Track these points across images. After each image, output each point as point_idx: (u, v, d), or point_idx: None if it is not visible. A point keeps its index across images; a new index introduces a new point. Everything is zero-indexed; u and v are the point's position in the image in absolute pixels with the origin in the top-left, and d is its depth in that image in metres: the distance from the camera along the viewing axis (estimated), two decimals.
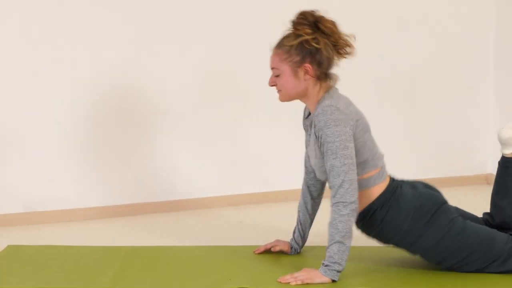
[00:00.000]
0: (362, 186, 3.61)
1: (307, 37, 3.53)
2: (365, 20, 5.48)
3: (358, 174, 3.58)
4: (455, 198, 5.29)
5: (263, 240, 4.18)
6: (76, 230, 4.68)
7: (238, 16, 5.19)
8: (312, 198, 3.94)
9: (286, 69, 3.61)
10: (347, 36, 3.61)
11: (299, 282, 3.49)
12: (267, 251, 4.04)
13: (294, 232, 4.02)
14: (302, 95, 3.68)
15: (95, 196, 4.99)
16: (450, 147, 5.77)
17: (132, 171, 5.06)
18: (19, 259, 4.04)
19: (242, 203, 5.26)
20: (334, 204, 3.49)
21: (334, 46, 3.58)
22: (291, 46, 3.57)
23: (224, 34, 5.15)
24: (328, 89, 3.66)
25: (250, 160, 5.30)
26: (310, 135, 3.72)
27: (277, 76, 3.64)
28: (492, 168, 5.81)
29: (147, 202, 5.08)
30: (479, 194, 5.43)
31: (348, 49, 3.61)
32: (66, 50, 4.81)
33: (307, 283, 3.49)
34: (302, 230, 3.99)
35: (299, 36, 3.54)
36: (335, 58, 3.63)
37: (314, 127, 3.59)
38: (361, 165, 3.61)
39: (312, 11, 3.58)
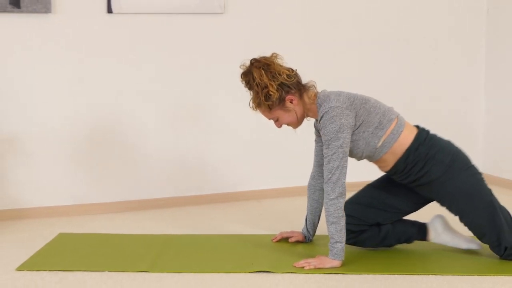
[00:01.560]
0: (391, 140, 3.60)
1: (268, 84, 3.56)
2: (366, 34, 5.45)
3: (379, 135, 3.59)
4: None
5: (279, 229, 4.20)
6: (117, 220, 4.69)
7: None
8: (320, 188, 3.90)
9: (277, 113, 3.66)
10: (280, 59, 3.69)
11: (311, 267, 3.52)
12: (284, 240, 4.05)
13: (305, 221, 4.03)
14: (304, 116, 3.73)
15: (133, 191, 4.99)
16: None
17: (165, 168, 5.07)
18: (69, 245, 4.08)
19: (262, 197, 5.25)
20: (324, 190, 3.53)
21: (279, 75, 3.59)
22: (263, 99, 3.59)
23: None
24: (316, 95, 3.70)
25: (273, 157, 5.29)
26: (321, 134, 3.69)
27: (277, 120, 3.70)
28: (483, 169, 5.75)
29: (179, 196, 5.08)
30: None
31: (284, 69, 3.65)
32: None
33: (319, 268, 3.51)
34: (312, 219, 4.00)
35: (263, 90, 3.57)
36: (295, 76, 3.67)
37: (320, 132, 3.62)
38: (379, 127, 3.61)
39: (251, 64, 3.67)
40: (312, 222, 4.00)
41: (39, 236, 4.24)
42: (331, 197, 3.49)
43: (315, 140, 3.86)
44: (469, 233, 3.75)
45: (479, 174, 3.71)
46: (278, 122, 3.70)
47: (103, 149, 4.89)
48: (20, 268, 3.63)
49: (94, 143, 4.86)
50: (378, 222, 3.76)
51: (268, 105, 3.59)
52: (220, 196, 5.15)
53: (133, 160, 4.96)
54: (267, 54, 5.07)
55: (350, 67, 5.40)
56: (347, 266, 3.57)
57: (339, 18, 5.33)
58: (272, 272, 3.51)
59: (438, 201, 3.72)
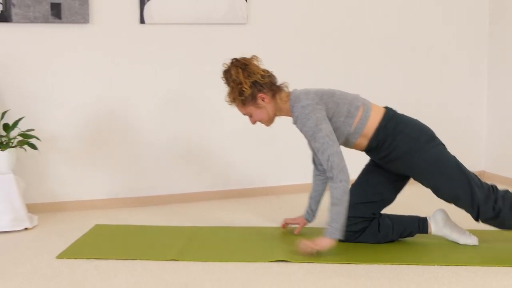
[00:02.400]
0: (361, 125, 3.64)
1: (242, 81, 3.60)
2: (376, 44, 5.44)
3: (350, 122, 3.63)
4: None
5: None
6: (147, 213, 4.70)
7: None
8: (320, 170, 4.00)
9: (250, 109, 3.71)
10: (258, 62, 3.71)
11: (309, 249, 3.56)
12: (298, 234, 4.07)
13: (309, 199, 4.08)
14: (275, 114, 3.76)
15: (162, 187, 5.00)
16: (447, 147, 5.70)
17: (193, 166, 5.08)
18: (103, 236, 4.11)
19: (281, 193, 5.26)
20: (328, 177, 3.54)
21: (254, 74, 3.62)
22: (236, 94, 3.64)
23: None
24: (288, 95, 3.72)
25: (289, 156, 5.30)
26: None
27: (251, 116, 3.74)
28: (485, 166, 5.75)
29: (204, 191, 5.10)
30: None
31: (260, 70, 3.66)
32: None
33: (316, 248, 3.55)
34: (315, 196, 4.05)
35: (238, 85, 3.61)
36: (269, 77, 3.68)
37: (299, 129, 3.66)
38: (348, 115, 3.64)
39: (231, 63, 3.70)
40: (315, 199, 4.05)
41: (76, 227, 4.27)
42: (336, 183, 3.51)
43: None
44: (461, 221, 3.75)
45: (442, 145, 3.75)
46: (252, 118, 3.75)
47: (135, 148, 4.91)
48: (60, 256, 3.66)
49: (126, 143, 4.89)
50: (373, 213, 3.78)
51: (241, 100, 3.64)
52: (242, 191, 5.15)
53: (162, 158, 4.98)
54: (286, 61, 5.11)
55: (361, 73, 5.39)
56: (359, 256, 3.58)
57: (351, 29, 5.32)
58: (290, 261, 3.52)
59: (411, 176, 3.75)
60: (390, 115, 3.69)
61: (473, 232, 3.84)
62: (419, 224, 3.82)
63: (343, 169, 3.51)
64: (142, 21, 4.80)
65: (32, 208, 4.57)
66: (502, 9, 5.52)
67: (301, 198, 4.82)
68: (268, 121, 3.77)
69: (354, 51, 5.36)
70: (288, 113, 3.71)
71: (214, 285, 3.20)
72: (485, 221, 3.65)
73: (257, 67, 3.66)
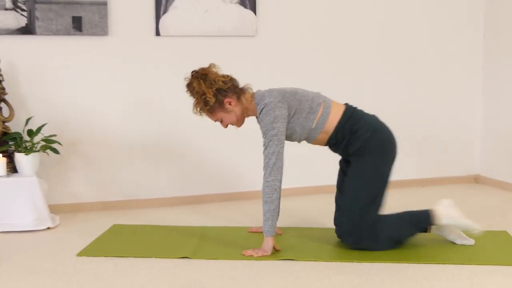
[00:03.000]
0: (323, 121, 3.65)
1: (205, 91, 3.60)
2: (381, 55, 5.44)
3: (312, 118, 3.64)
4: (448, 194, 5.29)
5: (297, 224, 4.29)
6: (162, 213, 4.71)
7: None
8: None
9: (220, 115, 3.72)
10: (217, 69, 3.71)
11: (259, 254, 3.58)
12: (306, 232, 4.07)
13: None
14: (244, 115, 3.78)
15: (175, 189, 5.01)
16: (444, 151, 5.69)
17: (203, 170, 5.09)
18: (121, 235, 4.11)
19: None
20: (263, 172, 3.57)
21: (215, 82, 3.63)
22: (203, 104, 3.65)
23: None
24: (253, 96, 3.74)
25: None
26: None
27: (222, 121, 3.75)
28: (480, 170, 5.74)
29: (215, 194, 5.10)
30: (469, 190, 5.40)
31: (219, 78, 3.66)
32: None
33: (264, 255, 3.57)
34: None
35: (202, 96, 3.62)
36: (230, 81, 3.69)
37: (260, 125, 3.66)
38: (310, 111, 3.66)
39: (191, 76, 3.69)
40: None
41: (95, 227, 4.28)
42: (268, 179, 3.54)
43: None
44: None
45: (388, 163, 3.72)
46: (223, 123, 3.76)
47: (150, 152, 4.92)
48: (80, 254, 3.67)
49: (143, 147, 4.90)
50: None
51: (208, 109, 3.66)
52: (251, 193, 5.14)
53: (175, 162, 4.99)
54: (292, 71, 5.11)
55: (362, 81, 5.39)
56: (362, 255, 3.58)
57: (353, 40, 5.33)
58: (296, 259, 3.52)
59: (351, 165, 3.72)
60: (348, 114, 3.68)
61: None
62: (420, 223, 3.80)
63: (278, 169, 3.55)
64: (157, 33, 4.81)
65: (54, 209, 4.57)
66: (496, 23, 5.52)
67: (297, 201, 4.86)
68: (238, 122, 3.79)
69: (356, 61, 5.36)
70: (255, 112, 3.72)
71: (225, 282, 3.20)
72: (344, 235, 3.68)
73: (216, 74, 3.67)
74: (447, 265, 3.44)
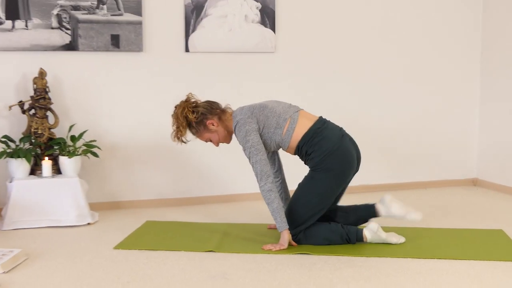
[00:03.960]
0: (288, 136, 3.66)
1: (190, 117, 3.67)
2: (389, 71, 5.42)
3: (279, 133, 3.65)
4: (448, 196, 5.26)
5: None
6: (190, 211, 4.70)
7: None
8: (276, 179, 4.01)
9: (206, 136, 3.78)
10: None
11: (277, 248, 3.58)
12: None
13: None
14: (229, 133, 3.81)
15: (202, 189, 5.01)
16: (444, 156, 5.64)
17: (229, 171, 5.09)
18: (153, 230, 4.11)
19: None
20: (256, 180, 3.59)
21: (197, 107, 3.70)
22: (192, 129, 3.72)
23: None
24: (231, 114, 3.77)
25: None
26: None
27: (211, 141, 3.80)
28: (477, 173, 5.68)
29: (238, 194, 5.08)
30: (467, 193, 5.35)
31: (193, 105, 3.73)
32: None
33: (282, 248, 3.58)
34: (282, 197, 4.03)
35: (187, 122, 3.69)
36: (210, 105, 3.74)
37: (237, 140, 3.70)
38: (277, 126, 3.66)
39: (174, 111, 3.74)
40: (283, 198, 4.02)
41: (131, 223, 4.29)
42: (261, 185, 3.57)
43: None
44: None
45: (339, 182, 3.68)
46: (213, 142, 3.81)
47: (179, 157, 4.92)
48: (116, 247, 3.68)
49: (172, 153, 4.88)
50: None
51: (194, 132, 3.74)
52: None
53: (201, 165, 4.98)
54: (308, 84, 5.10)
55: (373, 94, 5.36)
56: (369, 251, 3.56)
57: (365, 56, 5.30)
58: (310, 253, 3.51)
59: (308, 175, 3.71)
60: (312, 131, 3.65)
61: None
62: (367, 212, 3.83)
63: (265, 174, 3.56)
64: (187, 49, 4.83)
65: (93, 206, 4.59)
66: (493, 34, 5.47)
67: None
68: (225, 140, 3.83)
69: (365, 75, 5.33)
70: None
71: (247, 273, 3.20)
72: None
73: (196, 102, 3.73)
74: (446, 260, 3.41)
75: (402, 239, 3.73)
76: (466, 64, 5.62)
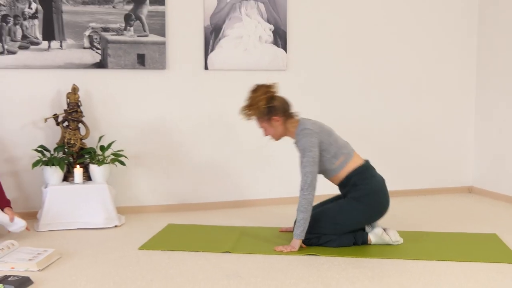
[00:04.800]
0: (339, 169, 3.66)
1: (262, 103, 3.61)
2: (385, 86, 5.40)
3: (333, 162, 3.63)
4: (445, 202, 5.22)
5: None
6: (208, 215, 4.69)
7: None
8: None
9: (264, 125, 3.72)
10: (271, 91, 3.68)
11: (288, 250, 3.56)
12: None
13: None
14: (284, 135, 3.76)
15: (219, 194, 4.99)
16: (441, 165, 5.59)
17: (242, 178, 5.08)
18: (175, 233, 4.11)
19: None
20: (301, 188, 3.55)
21: (276, 99, 3.65)
22: (259, 113, 3.65)
23: None
24: (298, 121, 3.71)
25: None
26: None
27: (265, 130, 3.74)
28: (473, 181, 5.64)
29: (252, 199, 5.07)
30: (463, 200, 5.30)
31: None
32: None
33: (292, 250, 3.56)
34: None
35: (258, 104, 3.62)
36: (283, 104, 3.68)
37: (296, 146, 3.68)
38: (334, 156, 3.64)
39: (259, 86, 3.68)
40: None
41: (154, 226, 4.29)
42: (305, 194, 3.53)
43: None
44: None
45: (369, 217, 3.69)
46: (265, 132, 3.75)
47: (197, 165, 4.92)
48: (141, 248, 3.69)
49: (191, 161, 4.89)
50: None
51: (257, 116, 3.66)
52: (286, 199, 5.11)
53: (218, 172, 4.98)
54: (317, 99, 5.09)
55: (377, 105, 5.34)
56: (373, 253, 3.54)
57: (370, 72, 5.29)
58: (318, 255, 3.49)
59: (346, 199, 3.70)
60: (360, 170, 3.66)
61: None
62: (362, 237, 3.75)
63: (313, 186, 3.54)
64: (206, 67, 4.84)
65: (120, 210, 4.60)
66: (489, 46, 5.44)
67: None
68: (277, 137, 3.76)
69: (367, 90, 5.31)
70: (293, 135, 3.71)
71: (260, 272, 3.19)
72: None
73: (274, 93, 3.67)
74: (445, 261, 3.39)
75: (400, 240, 3.72)
76: (462, 78, 5.58)
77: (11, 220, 3.80)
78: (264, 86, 3.67)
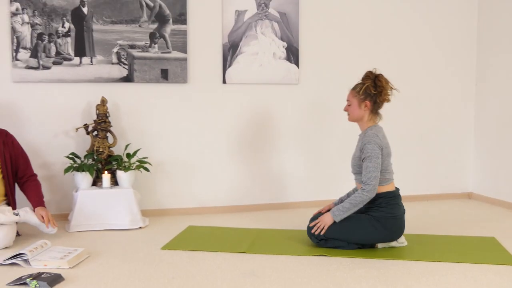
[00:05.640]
0: (378, 184, 3.58)
1: (369, 85, 3.60)
2: (402, 95, 5.36)
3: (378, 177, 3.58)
4: (446, 207, 5.17)
5: None
6: (226, 218, 4.69)
7: None
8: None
9: (354, 101, 3.69)
10: (391, 88, 3.66)
11: (321, 226, 3.58)
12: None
13: (340, 199, 3.92)
14: (359, 120, 3.71)
15: (237, 198, 4.99)
16: (442, 172, 5.55)
17: (258, 183, 5.07)
18: (195, 234, 4.11)
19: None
20: (362, 186, 3.53)
21: (382, 93, 3.62)
22: (360, 89, 3.64)
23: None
24: (375, 122, 3.70)
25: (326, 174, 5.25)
26: (358, 145, 3.70)
27: (349, 105, 3.70)
28: (472, 188, 5.59)
29: (264, 203, 5.08)
30: (463, 205, 5.25)
31: (389, 97, 3.66)
32: None
33: (324, 225, 3.58)
34: (342, 198, 3.91)
35: (364, 84, 3.61)
36: (383, 102, 3.65)
37: (361, 142, 3.63)
38: (381, 174, 3.60)
39: (372, 71, 3.67)
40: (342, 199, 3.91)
41: (175, 227, 4.29)
42: (365, 193, 3.50)
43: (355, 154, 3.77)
44: None
45: (382, 237, 3.61)
46: (348, 107, 3.71)
47: (216, 172, 4.92)
48: (163, 248, 3.69)
49: (210, 168, 4.90)
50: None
51: (357, 91, 3.66)
52: (300, 203, 5.11)
53: (233, 178, 4.98)
54: (327, 112, 5.07)
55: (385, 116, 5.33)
56: (378, 254, 3.51)
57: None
58: (327, 255, 3.48)
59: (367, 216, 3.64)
60: (389, 195, 3.62)
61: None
62: None
63: (374, 189, 3.51)
64: (224, 81, 4.85)
65: (144, 213, 4.61)
66: (487, 54, 5.40)
67: None
68: (353, 119, 3.73)
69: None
70: (363, 128, 3.70)
71: (274, 271, 3.18)
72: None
73: (384, 91, 3.62)
74: (446, 262, 3.36)
75: (405, 242, 3.70)
76: (461, 88, 5.53)
77: (44, 223, 3.82)
78: (379, 76, 3.66)
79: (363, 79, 3.70)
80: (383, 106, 3.71)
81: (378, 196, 3.60)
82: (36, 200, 3.90)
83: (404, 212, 3.68)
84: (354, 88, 3.70)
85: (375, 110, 3.68)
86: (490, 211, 4.99)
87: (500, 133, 5.23)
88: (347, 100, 3.74)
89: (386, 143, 3.65)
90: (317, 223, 3.61)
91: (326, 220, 3.58)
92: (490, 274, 3.16)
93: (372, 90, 3.62)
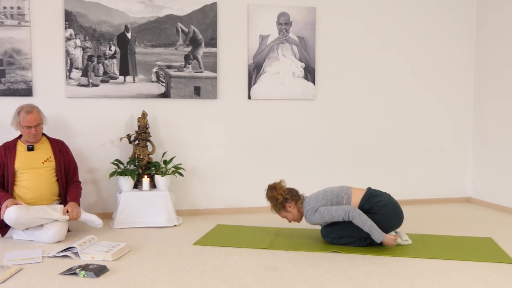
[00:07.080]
0: (348, 203, 3.58)
1: (280, 198, 3.62)
2: (405, 109, 5.32)
3: (341, 202, 3.58)
4: (447, 210, 5.09)
5: None
6: (251, 217, 4.67)
7: None
8: None
9: (283, 214, 3.71)
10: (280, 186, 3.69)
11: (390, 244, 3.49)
12: None
13: None
14: (299, 213, 3.70)
15: (260, 200, 4.96)
16: (442, 178, 5.47)
17: None
18: (223, 231, 4.10)
19: None
20: (349, 220, 3.49)
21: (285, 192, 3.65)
22: (278, 206, 3.65)
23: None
24: (302, 202, 3.69)
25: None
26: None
27: (286, 218, 3.72)
28: (471, 192, 5.49)
29: None
30: (462, 209, 5.16)
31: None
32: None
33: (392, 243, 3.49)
34: None
35: (276, 201, 3.64)
36: (291, 192, 3.67)
37: (309, 221, 3.61)
38: (337, 203, 3.58)
39: (272, 189, 3.67)
40: None
41: (206, 226, 4.29)
42: (355, 219, 3.43)
43: None
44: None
45: (384, 226, 3.53)
46: (287, 219, 3.74)
47: (241, 177, 4.90)
48: (195, 243, 3.69)
49: (236, 173, 4.88)
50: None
51: (278, 209, 3.67)
52: None
53: (258, 183, 4.95)
54: (342, 126, 5.03)
55: (391, 132, 5.28)
56: (386, 251, 3.46)
57: (380, 104, 5.22)
58: (340, 252, 3.45)
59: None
60: (368, 193, 3.60)
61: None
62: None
63: (342, 211, 3.46)
64: (249, 97, 4.86)
65: (179, 212, 4.63)
66: (485, 63, 5.32)
67: None
68: (297, 219, 3.75)
69: (382, 114, 5.24)
70: (303, 213, 3.69)
71: (293, 266, 3.16)
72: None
73: (284, 189, 3.66)
74: (447, 260, 3.30)
75: (410, 241, 3.65)
76: (460, 100, 5.43)
77: (63, 213, 3.77)
78: (272, 188, 3.69)
79: (269, 199, 3.68)
80: (293, 193, 3.68)
81: (360, 207, 3.57)
82: (72, 197, 3.93)
83: (389, 196, 3.61)
84: (275, 209, 3.69)
85: (295, 200, 3.67)
86: (488, 214, 4.89)
87: (497, 142, 5.13)
88: (282, 218, 3.78)
89: (314, 198, 3.62)
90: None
91: (387, 241, 3.46)
92: (487, 270, 3.09)
93: (281, 198, 3.63)
